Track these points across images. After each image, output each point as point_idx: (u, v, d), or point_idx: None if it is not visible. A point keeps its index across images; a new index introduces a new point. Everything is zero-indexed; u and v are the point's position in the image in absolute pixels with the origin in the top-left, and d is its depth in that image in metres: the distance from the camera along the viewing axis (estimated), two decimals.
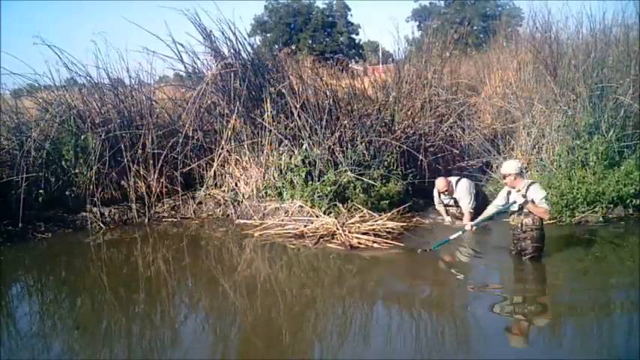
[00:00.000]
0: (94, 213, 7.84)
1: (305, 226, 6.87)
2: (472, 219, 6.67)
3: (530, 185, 5.60)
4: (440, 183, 7.29)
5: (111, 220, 7.95)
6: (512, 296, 5.04)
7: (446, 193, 7.27)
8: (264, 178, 8.14)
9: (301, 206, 7.29)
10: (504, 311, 4.68)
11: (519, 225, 5.56)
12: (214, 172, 8.46)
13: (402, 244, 6.31)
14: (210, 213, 8.26)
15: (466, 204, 7.15)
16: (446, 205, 7.45)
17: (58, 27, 48.74)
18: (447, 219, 7.39)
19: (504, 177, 5.71)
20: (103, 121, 8.23)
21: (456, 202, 7.31)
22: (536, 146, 8.29)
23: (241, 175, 8.38)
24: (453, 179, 7.41)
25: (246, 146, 8.31)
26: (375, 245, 6.31)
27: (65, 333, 4.64)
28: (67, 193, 7.93)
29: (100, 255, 6.76)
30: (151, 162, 8.19)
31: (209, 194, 8.42)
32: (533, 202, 5.47)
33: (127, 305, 5.16)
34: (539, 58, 9.27)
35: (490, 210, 6.00)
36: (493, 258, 6.02)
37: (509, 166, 5.65)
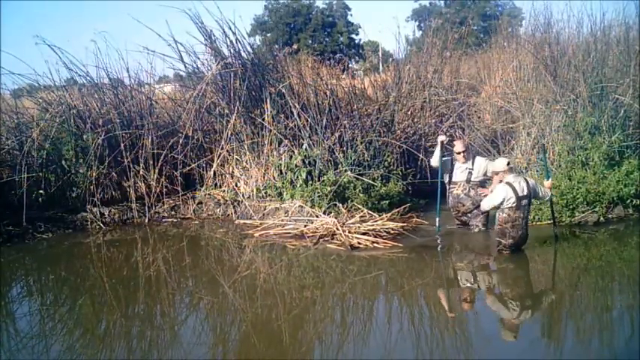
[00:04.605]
0: (94, 213, 7.85)
1: (305, 226, 6.87)
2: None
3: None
4: (460, 144, 6.79)
5: (111, 220, 7.95)
6: (512, 296, 5.04)
7: (463, 155, 6.70)
8: (264, 178, 8.14)
9: (301, 206, 7.29)
10: (504, 311, 4.68)
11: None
12: (214, 172, 8.46)
13: (401, 245, 6.31)
14: (210, 213, 8.26)
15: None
16: (452, 182, 6.84)
17: (58, 27, 48.81)
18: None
19: (496, 174, 6.00)
20: (103, 121, 8.23)
21: (470, 175, 6.74)
22: (536, 146, 8.28)
23: (241, 175, 8.38)
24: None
25: (246, 146, 8.31)
26: (375, 245, 6.31)
27: (65, 333, 4.64)
28: (67, 193, 7.93)
29: (100, 255, 6.76)
30: (151, 162, 8.19)
31: (209, 194, 8.42)
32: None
33: (127, 305, 5.16)
34: (539, 58, 9.27)
35: None
36: (493, 258, 6.02)
37: (500, 164, 5.88)
